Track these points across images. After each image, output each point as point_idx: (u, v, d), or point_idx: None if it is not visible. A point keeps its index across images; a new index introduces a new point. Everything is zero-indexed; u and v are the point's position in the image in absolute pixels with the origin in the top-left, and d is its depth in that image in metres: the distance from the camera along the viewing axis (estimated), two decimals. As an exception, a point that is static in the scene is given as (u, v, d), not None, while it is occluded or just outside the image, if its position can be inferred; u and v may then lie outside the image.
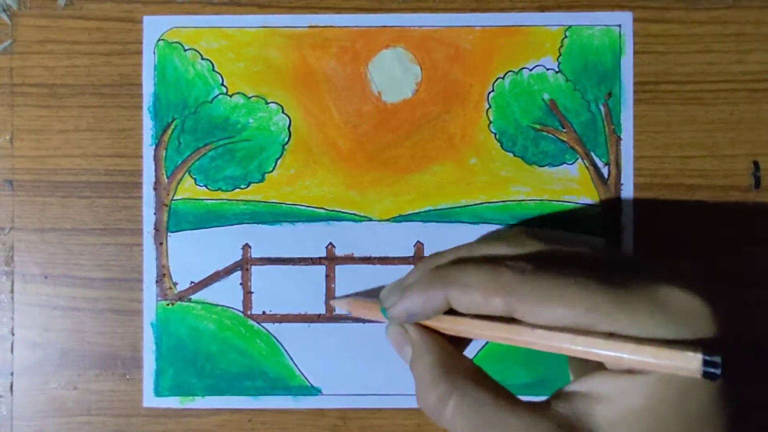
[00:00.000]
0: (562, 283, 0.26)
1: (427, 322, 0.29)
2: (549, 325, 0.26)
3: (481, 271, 0.27)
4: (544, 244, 0.29)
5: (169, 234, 0.37)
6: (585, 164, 0.37)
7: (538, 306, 0.26)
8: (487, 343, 0.37)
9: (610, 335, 0.25)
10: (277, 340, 0.37)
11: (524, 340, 0.27)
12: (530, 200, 0.37)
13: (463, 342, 0.31)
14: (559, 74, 0.37)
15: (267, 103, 0.37)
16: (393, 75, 0.37)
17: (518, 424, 0.26)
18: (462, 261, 0.29)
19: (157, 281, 0.37)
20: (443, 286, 0.28)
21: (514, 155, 0.37)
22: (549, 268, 0.26)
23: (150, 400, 0.37)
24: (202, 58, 0.37)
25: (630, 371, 0.25)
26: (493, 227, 0.37)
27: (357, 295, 0.36)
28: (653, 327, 0.25)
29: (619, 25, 0.37)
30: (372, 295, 0.35)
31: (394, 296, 0.29)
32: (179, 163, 0.37)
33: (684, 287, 0.25)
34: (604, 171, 0.37)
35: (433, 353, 0.28)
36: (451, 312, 0.29)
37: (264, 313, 0.37)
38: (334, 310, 0.37)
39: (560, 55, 0.37)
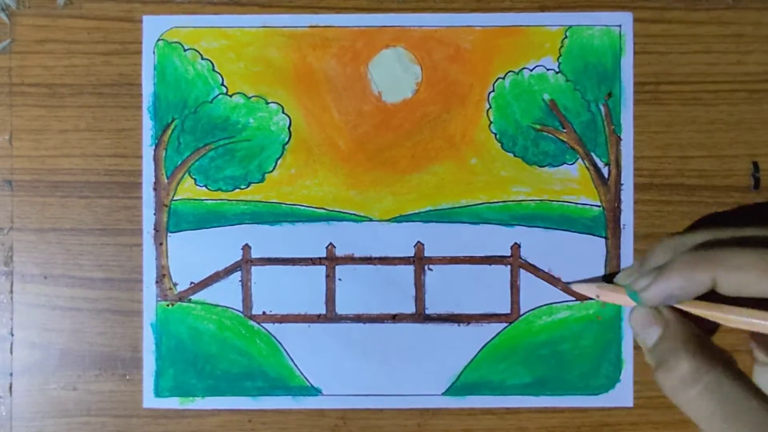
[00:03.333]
0: None
1: (684, 306, 0.29)
2: None
3: (753, 253, 0.27)
4: None
5: (169, 234, 0.37)
6: (585, 164, 0.37)
7: None
8: (486, 343, 0.37)
9: None
10: (277, 341, 0.37)
11: None
12: (530, 200, 0.37)
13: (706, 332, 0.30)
14: (559, 74, 0.37)
15: (267, 103, 0.37)
16: (393, 75, 0.37)
17: None
18: (717, 243, 0.28)
19: (156, 282, 0.37)
20: (710, 267, 0.27)
21: (515, 155, 0.37)
22: None
23: (150, 400, 0.37)
24: (202, 58, 0.37)
25: None
26: (494, 227, 0.37)
27: (592, 280, 0.36)
28: None
29: (619, 26, 0.37)
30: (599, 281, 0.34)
31: (644, 280, 0.29)
32: (179, 163, 0.37)
33: None
34: (605, 171, 0.37)
35: (688, 332, 0.28)
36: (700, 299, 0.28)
37: (264, 313, 0.37)
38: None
39: (560, 55, 0.37)
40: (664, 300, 0.29)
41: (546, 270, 0.37)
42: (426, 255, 0.37)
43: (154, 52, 0.37)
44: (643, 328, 0.29)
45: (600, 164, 0.37)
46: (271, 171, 0.37)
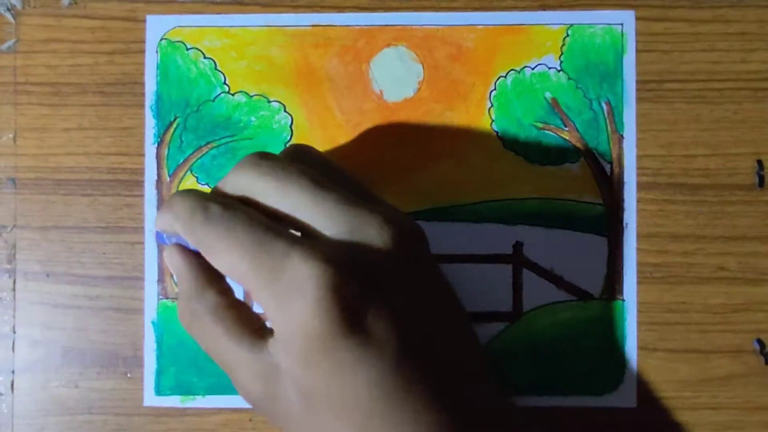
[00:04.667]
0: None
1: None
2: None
3: (183, 202, 0.28)
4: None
5: (171, 232, 0.37)
6: (587, 163, 0.37)
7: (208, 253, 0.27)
8: (487, 343, 0.36)
9: None
10: (279, 339, 0.37)
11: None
12: (532, 198, 0.37)
13: None
14: (561, 73, 0.37)
15: (269, 101, 0.37)
16: (395, 74, 0.37)
17: (239, 356, 0.28)
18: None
19: (158, 280, 0.37)
20: (165, 209, 0.29)
21: (516, 154, 0.37)
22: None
23: (151, 399, 0.37)
24: (205, 57, 0.37)
25: None
26: (495, 226, 0.36)
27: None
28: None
29: (621, 24, 0.37)
30: None
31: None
32: (181, 161, 0.37)
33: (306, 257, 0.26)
34: (607, 169, 0.37)
35: (187, 278, 0.29)
36: None
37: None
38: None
39: (562, 53, 0.37)
40: (163, 231, 0.29)
41: (548, 269, 0.36)
42: (427, 254, 0.37)
43: (157, 52, 0.37)
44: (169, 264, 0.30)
45: (602, 163, 0.37)
46: (273, 169, 0.37)
